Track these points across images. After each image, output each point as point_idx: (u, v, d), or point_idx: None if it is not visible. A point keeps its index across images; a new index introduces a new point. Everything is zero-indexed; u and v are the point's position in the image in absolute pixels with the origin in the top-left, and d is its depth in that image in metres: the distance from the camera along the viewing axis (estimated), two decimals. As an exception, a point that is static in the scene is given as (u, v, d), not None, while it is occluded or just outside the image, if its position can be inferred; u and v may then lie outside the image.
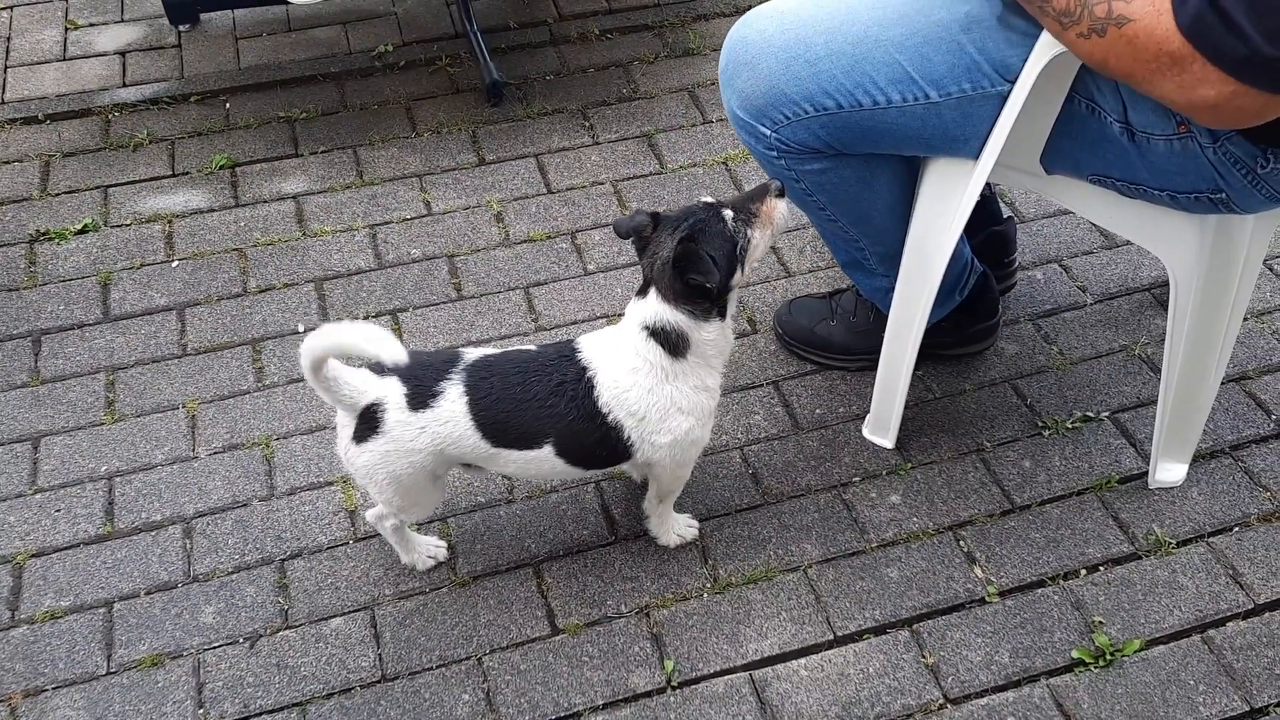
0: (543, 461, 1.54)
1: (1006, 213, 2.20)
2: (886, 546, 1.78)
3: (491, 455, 1.53)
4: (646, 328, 1.49)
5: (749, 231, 1.48)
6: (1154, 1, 1.18)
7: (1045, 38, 1.39)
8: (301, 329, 2.12)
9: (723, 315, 1.52)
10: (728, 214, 1.47)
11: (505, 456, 1.53)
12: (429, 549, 1.75)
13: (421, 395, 1.48)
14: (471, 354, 1.53)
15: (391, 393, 1.48)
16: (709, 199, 1.50)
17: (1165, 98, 1.23)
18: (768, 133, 1.58)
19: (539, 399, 1.50)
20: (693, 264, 1.42)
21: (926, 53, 1.47)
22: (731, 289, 1.51)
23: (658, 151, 2.51)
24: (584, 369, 1.51)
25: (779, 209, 1.50)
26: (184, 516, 1.82)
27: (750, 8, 2.84)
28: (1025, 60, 1.42)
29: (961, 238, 1.68)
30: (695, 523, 1.80)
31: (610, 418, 1.51)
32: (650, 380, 1.51)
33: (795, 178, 1.64)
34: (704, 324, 1.49)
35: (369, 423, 1.48)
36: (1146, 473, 1.87)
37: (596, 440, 1.53)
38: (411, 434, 1.48)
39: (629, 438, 1.53)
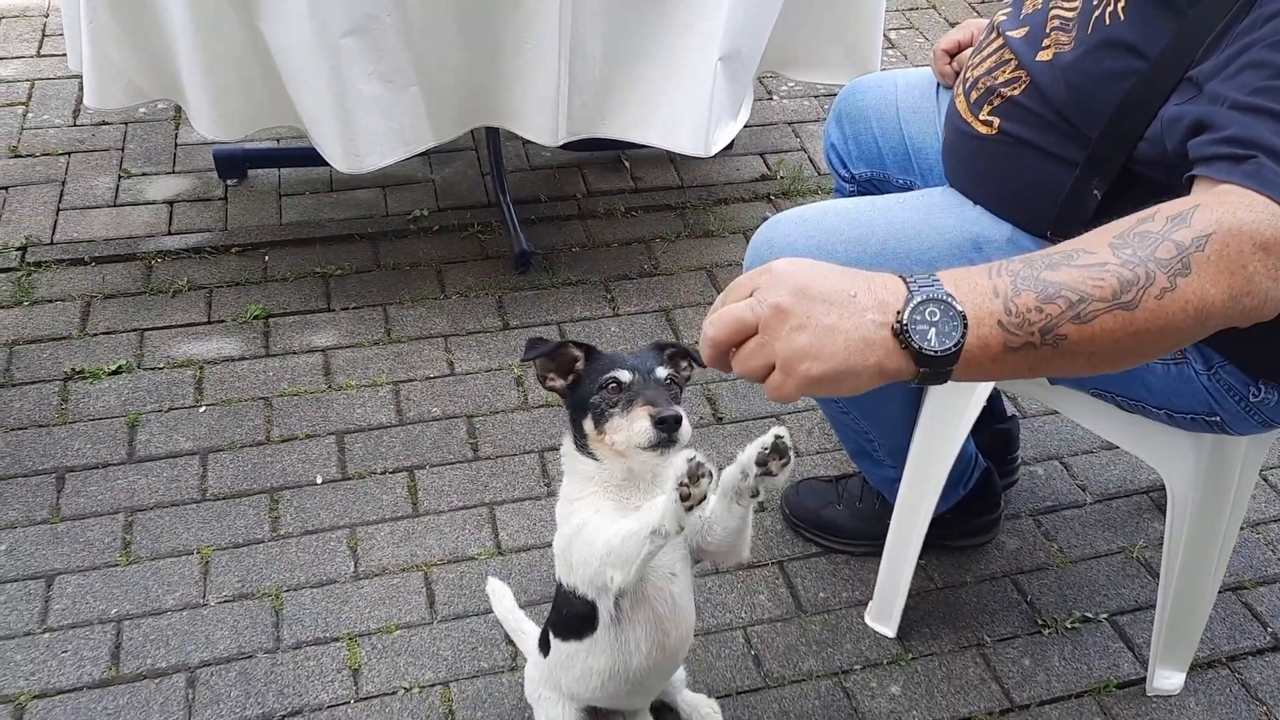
0: None
1: (1010, 410, 2.28)
2: (886, 739, 1.79)
3: None
4: None
5: (611, 410, 1.31)
6: (1222, 203, 1.05)
7: (1050, 262, 1.48)
8: (320, 480, 2.17)
9: (576, 435, 1.40)
10: (622, 375, 1.31)
11: None
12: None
13: None
14: None
15: None
16: (663, 369, 1.35)
17: (1265, 304, 1.05)
18: (787, 330, 1.66)
19: None
20: (548, 351, 1.37)
21: (940, 267, 1.56)
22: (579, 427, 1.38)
23: (674, 326, 2.61)
24: None
25: (639, 428, 1.26)
26: (189, 665, 1.83)
27: (768, 195, 3.05)
28: (1031, 281, 1.52)
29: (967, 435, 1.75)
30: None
31: None
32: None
33: (811, 372, 1.72)
34: (565, 433, 1.45)
35: None
36: (1144, 678, 1.88)
37: None
38: None
39: None
